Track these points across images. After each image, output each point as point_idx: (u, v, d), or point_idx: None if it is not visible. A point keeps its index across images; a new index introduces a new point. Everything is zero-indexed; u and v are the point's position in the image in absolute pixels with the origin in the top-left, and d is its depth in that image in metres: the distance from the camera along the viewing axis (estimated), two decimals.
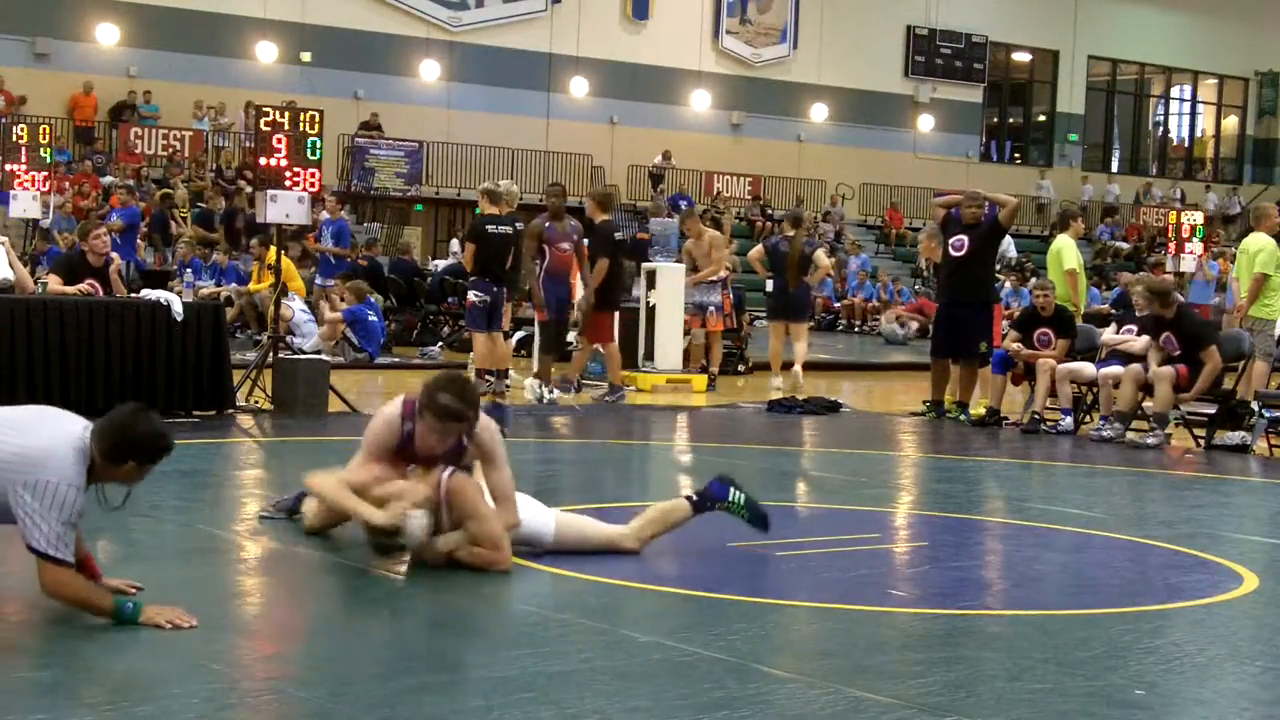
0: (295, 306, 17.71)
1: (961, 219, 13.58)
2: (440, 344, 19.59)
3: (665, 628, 5.47)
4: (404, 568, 6.13)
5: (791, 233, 16.22)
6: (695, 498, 6.73)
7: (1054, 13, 39.58)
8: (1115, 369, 12.51)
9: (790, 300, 16.15)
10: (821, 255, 16.99)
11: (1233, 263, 16.58)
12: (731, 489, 6.73)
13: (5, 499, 4.87)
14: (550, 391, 13.78)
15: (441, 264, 23.22)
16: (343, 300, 17.75)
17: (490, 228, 14.40)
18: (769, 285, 16.37)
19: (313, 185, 12.34)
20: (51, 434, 4.94)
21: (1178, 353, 12.08)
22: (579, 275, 14.41)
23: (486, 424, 6.28)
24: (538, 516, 6.50)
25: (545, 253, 13.85)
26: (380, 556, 6.16)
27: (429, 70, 31.89)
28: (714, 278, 16.43)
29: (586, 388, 14.84)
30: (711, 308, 16.37)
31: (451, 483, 6.12)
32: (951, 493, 9.79)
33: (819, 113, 36.69)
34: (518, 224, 14.61)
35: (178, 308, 11.36)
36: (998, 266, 18.11)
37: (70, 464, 4.89)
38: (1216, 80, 43.96)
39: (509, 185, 15.26)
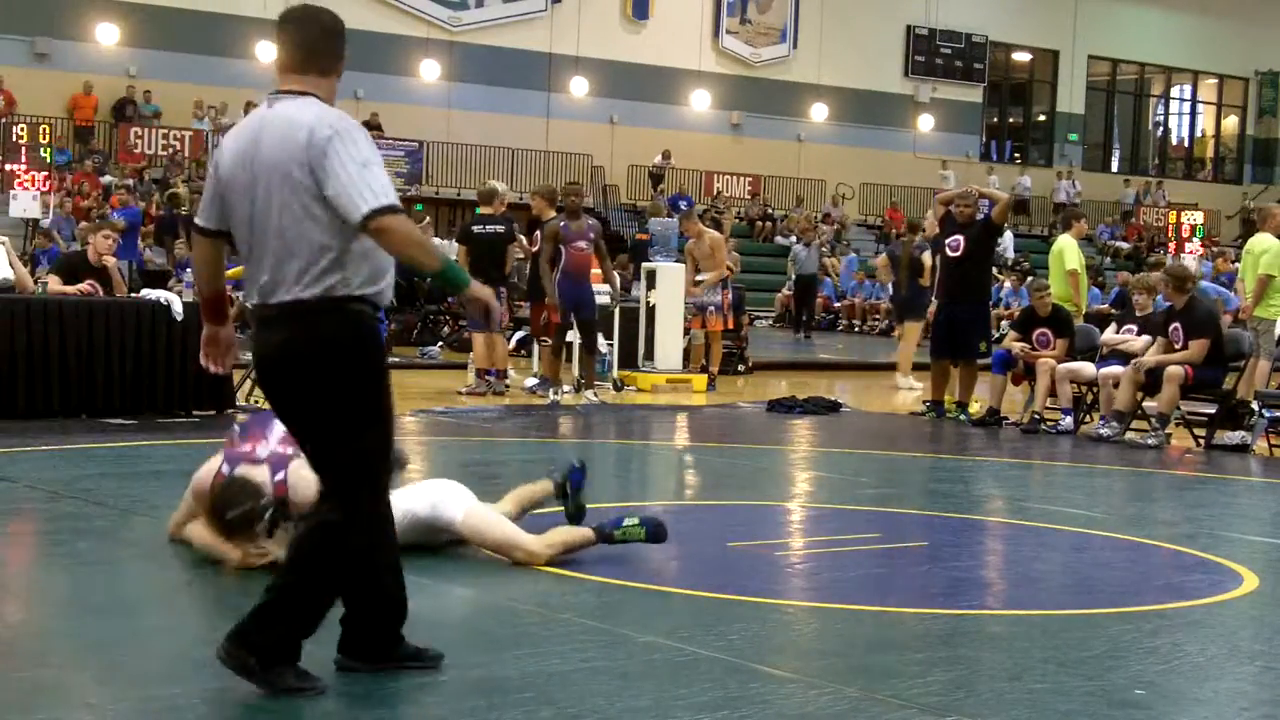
0: None
1: (956, 219, 13.59)
2: (440, 344, 19.58)
3: (665, 628, 5.47)
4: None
5: (907, 237, 17.01)
6: (599, 529, 6.59)
7: (1054, 13, 39.57)
8: (1115, 369, 12.51)
9: (901, 302, 17.22)
10: (927, 257, 17.20)
11: (1234, 262, 16.60)
12: (625, 518, 6.60)
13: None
14: (557, 392, 13.76)
15: None
16: None
17: (477, 228, 14.43)
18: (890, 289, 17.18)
19: None
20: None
21: (1181, 345, 12.07)
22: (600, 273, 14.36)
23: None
24: (451, 501, 6.37)
25: (562, 253, 13.77)
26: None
27: (429, 70, 31.89)
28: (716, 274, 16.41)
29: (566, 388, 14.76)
30: (711, 307, 16.37)
31: (292, 478, 6.04)
32: (951, 493, 9.78)
33: (819, 112, 36.69)
34: (514, 224, 14.63)
35: (178, 308, 11.36)
36: (996, 266, 18.21)
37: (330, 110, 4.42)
38: (1216, 80, 43.96)
39: (501, 186, 15.27)
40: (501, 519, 6.44)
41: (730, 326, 17.26)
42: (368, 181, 4.20)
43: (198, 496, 6.18)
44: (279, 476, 6.04)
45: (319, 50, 4.47)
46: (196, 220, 4.60)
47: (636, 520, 6.59)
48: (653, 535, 6.58)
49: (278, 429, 6.15)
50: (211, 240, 4.57)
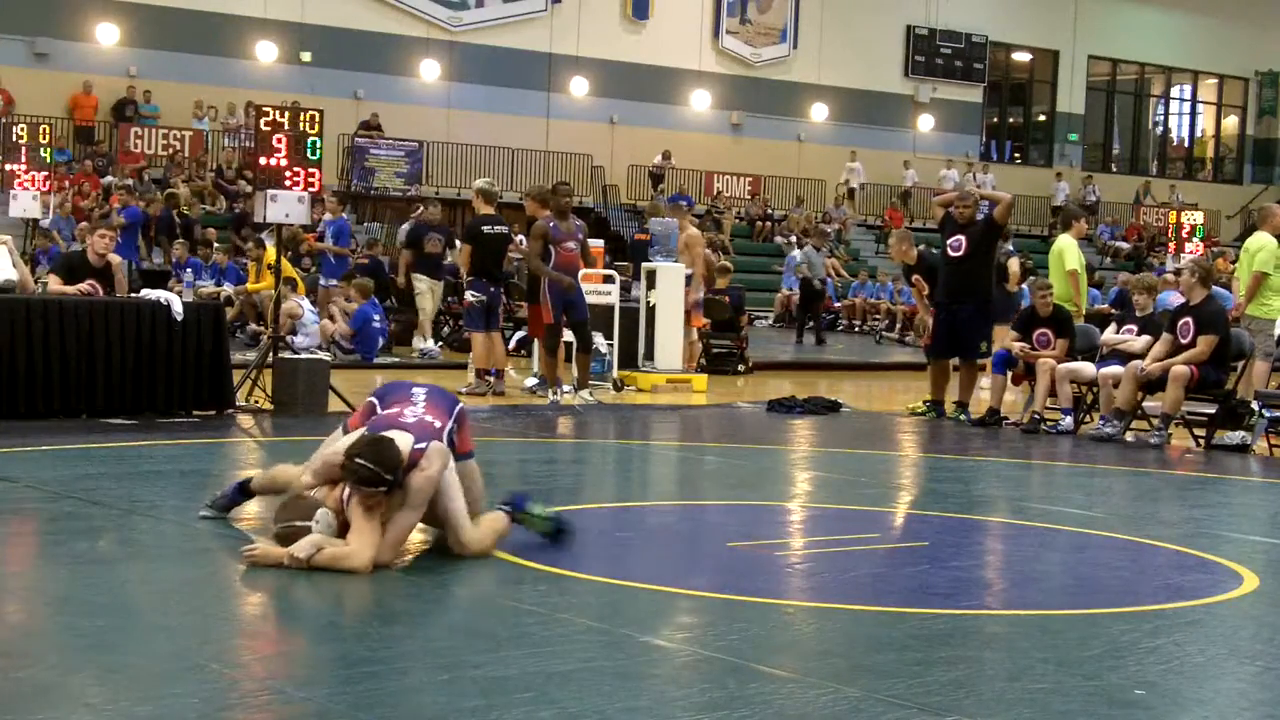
0: (305, 305, 17.74)
1: (957, 219, 13.58)
2: (440, 344, 19.59)
3: (665, 628, 5.47)
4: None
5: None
6: (508, 508, 6.58)
7: (1054, 13, 39.57)
8: (1115, 369, 12.51)
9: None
10: (1013, 263, 17.22)
11: (1234, 263, 16.59)
12: (529, 502, 6.59)
13: None
14: (556, 393, 13.76)
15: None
16: (349, 300, 17.87)
17: (485, 228, 14.43)
18: None
19: (313, 185, 12.34)
20: None
21: (1190, 341, 12.07)
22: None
23: (421, 473, 6.12)
24: (450, 469, 6.33)
25: (551, 253, 13.77)
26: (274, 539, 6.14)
27: (429, 70, 31.89)
28: (686, 271, 16.43)
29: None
30: None
31: (430, 452, 6.15)
32: (951, 493, 9.78)
33: (819, 113, 36.69)
34: (512, 224, 14.67)
35: (178, 308, 11.37)
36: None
37: None
38: (1216, 80, 43.95)
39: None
40: (463, 501, 6.36)
41: (700, 325, 17.19)
42: None
43: (328, 468, 6.20)
44: (420, 445, 6.11)
45: None
46: None
47: (544, 513, 6.57)
48: (555, 536, 6.57)
49: (421, 397, 6.40)
50: None
